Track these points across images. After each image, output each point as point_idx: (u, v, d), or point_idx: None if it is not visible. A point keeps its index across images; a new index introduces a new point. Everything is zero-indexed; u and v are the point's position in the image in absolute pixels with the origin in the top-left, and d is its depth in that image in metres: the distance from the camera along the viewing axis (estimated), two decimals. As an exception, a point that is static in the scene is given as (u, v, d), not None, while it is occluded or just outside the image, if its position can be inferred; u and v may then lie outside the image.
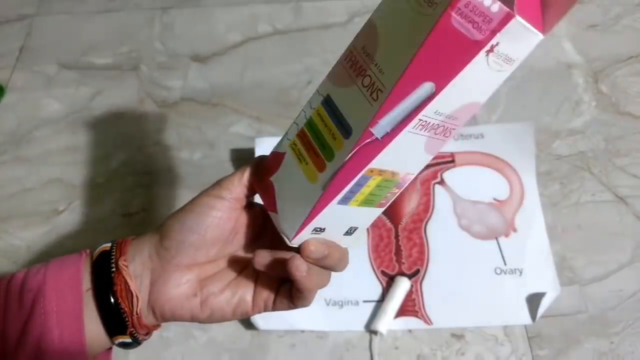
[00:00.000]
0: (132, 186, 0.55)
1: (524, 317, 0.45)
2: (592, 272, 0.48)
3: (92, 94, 0.62)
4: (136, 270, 0.28)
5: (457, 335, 0.45)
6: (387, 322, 0.45)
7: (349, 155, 0.23)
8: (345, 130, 0.24)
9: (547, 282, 0.47)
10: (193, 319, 0.29)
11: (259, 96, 0.61)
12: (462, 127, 0.54)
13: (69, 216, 0.53)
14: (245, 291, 0.29)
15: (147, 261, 0.28)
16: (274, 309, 0.29)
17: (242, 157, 0.56)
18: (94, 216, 0.53)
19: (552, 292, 0.46)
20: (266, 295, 0.29)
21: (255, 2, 0.69)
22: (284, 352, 0.45)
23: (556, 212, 0.51)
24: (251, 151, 0.54)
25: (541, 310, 0.45)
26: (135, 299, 0.27)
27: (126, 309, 0.27)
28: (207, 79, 0.62)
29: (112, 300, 0.27)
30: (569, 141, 0.56)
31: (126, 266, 0.28)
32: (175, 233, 0.28)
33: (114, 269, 0.27)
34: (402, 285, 0.46)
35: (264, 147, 0.53)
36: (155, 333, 0.45)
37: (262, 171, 0.28)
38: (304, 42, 0.65)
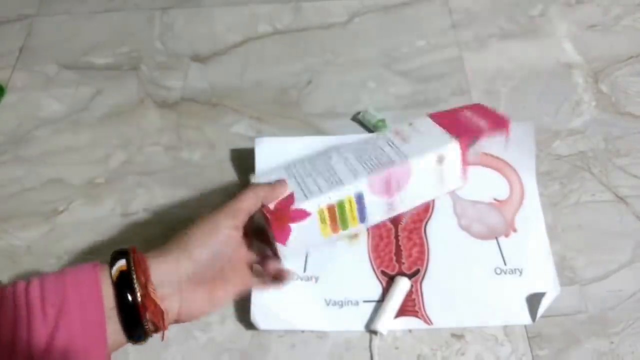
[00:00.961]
0: (132, 186, 0.55)
1: (524, 317, 0.45)
2: (592, 272, 0.48)
3: (92, 94, 0.62)
4: (164, 292, 0.31)
5: (457, 335, 0.45)
6: (387, 322, 0.45)
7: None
8: (362, 219, 0.38)
9: (547, 282, 0.47)
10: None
11: (259, 96, 0.61)
12: None
13: (69, 216, 0.53)
14: (235, 285, 0.36)
15: (177, 289, 0.32)
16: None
17: (243, 157, 0.56)
18: (94, 216, 0.53)
19: (552, 292, 0.46)
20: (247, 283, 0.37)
21: (255, 2, 0.69)
22: (284, 352, 0.45)
23: (556, 212, 0.51)
24: (251, 151, 0.54)
25: (541, 310, 0.45)
26: (166, 315, 0.31)
27: (158, 323, 0.30)
28: (207, 79, 0.62)
29: (142, 319, 0.30)
30: (569, 141, 0.56)
31: (154, 290, 0.30)
32: (207, 263, 0.32)
33: (140, 292, 0.30)
34: (402, 285, 0.46)
35: (264, 147, 0.53)
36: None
37: (283, 216, 0.35)
38: (304, 42, 0.65)
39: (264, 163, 0.52)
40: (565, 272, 0.48)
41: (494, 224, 0.50)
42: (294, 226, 0.35)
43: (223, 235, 0.33)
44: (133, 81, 0.63)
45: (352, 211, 0.37)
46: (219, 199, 0.53)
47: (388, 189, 0.37)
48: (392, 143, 0.40)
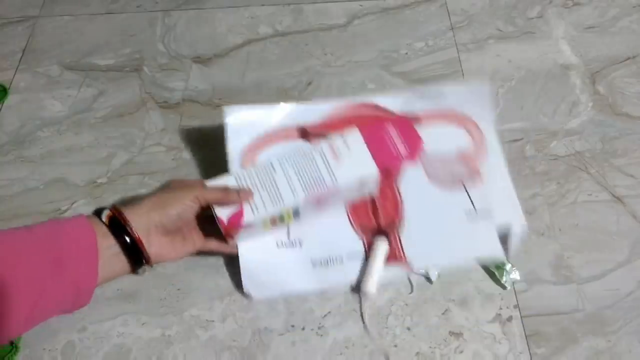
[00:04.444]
0: (134, 186, 0.55)
1: (498, 253, 0.48)
2: (589, 271, 0.48)
3: (95, 95, 0.62)
4: (139, 235, 0.42)
5: (456, 333, 0.46)
6: (374, 282, 0.47)
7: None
8: (296, 218, 0.48)
9: (515, 219, 0.49)
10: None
11: (260, 97, 0.61)
12: (426, 86, 0.58)
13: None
14: (192, 243, 0.46)
15: (146, 234, 0.42)
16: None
17: (243, 158, 0.56)
18: (97, 216, 0.53)
19: (520, 227, 0.49)
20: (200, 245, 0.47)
21: (256, 4, 0.70)
22: (284, 349, 0.46)
23: (554, 212, 0.52)
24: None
25: (512, 245, 0.48)
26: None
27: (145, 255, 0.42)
28: (208, 80, 0.63)
29: (144, 253, 0.41)
30: (566, 141, 0.56)
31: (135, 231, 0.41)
32: (171, 220, 0.43)
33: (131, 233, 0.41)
34: (382, 247, 0.48)
35: (234, 116, 0.52)
36: (157, 331, 0.46)
37: (234, 228, 0.45)
38: (304, 43, 0.66)
39: (236, 132, 0.52)
40: (563, 271, 0.48)
41: (460, 174, 0.52)
42: (242, 229, 0.46)
43: (187, 205, 0.43)
44: (135, 82, 0.63)
45: (288, 216, 0.47)
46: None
47: (319, 201, 0.47)
48: (326, 161, 0.48)
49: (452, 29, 0.66)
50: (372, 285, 0.46)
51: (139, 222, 0.41)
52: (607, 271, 0.48)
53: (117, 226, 0.40)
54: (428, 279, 0.48)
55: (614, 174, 0.54)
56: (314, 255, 0.49)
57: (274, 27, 0.68)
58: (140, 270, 0.43)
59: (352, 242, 0.49)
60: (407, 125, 0.51)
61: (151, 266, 0.43)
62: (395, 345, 0.45)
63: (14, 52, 0.66)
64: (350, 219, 0.50)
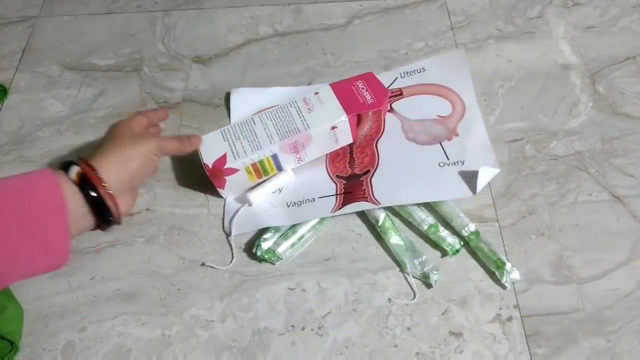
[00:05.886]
0: (134, 186, 0.55)
1: (464, 191, 0.50)
2: (589, 271, 0.48)
3: (95, 95, 0.62)
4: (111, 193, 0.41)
5: (456, 333, 0.46)
6: (258, 195, 0.52)
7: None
8: (278, 168, 0.52)
9: (486, 164, 0.52)
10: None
11: (259, 97, 0.61)
12: (406, 65, 0.61)
13: (72, 216, 0.53)
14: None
15: (115, 192, 0.41)
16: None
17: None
18: (97, 216, 0.53)
19: (490, 170, 0.51)
20: None
21: (256, 4, 0.70)
22: (284, 349, 0.46)
23: (553, 212, 0.52)
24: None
25: (480, 184, 0.50)
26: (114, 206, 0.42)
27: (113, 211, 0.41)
28: (208, 80, 0.63)
29: (112, 212, 0.41)
30: (566, 141, 0.56)
31: (108, 189, 0.41)
32: (135, 175, 0.44)
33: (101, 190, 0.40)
34: (287, 172, 0.53)
35: (237, 96, 0.60)
36: (157, 331, 0.46)
37: (219, 172, 0.50)
38: (304, 43, 0.66)
39: (238, 109, 0.59)
40: (563, 271, 0.48)
41: (437, 133, 0.56)
42: (227, 177, 0.51)
43: (150, 158, 0.45)
44: (135, 82, 0.63)
45: (270, 165, 0.51)
46: (220, 200, 0.54)
47: (295, 148, 0.51)
48: (300, 112, 0.52)
49: (452, 29, 0.66)
50: (254, 195, 0.52)
51: (109, 180, 0.39)
52: (607, 271, 0.48)
53: (87, 184, 0.38)
54: (428, 284, 0.48)
55: (614, 174, 0.54)
56: (290, 199, 0.52)
57: (274, 27, 0.68)
58: (108, 229, 0.41)
59: (326, 187, 0.53)
60: (372, 78, 0.55)
61: (119, 224, 0.43)
62: (395, 345, 0.45)
63: (14, 52, 0.66)
64: (329, 171, 0.54)
